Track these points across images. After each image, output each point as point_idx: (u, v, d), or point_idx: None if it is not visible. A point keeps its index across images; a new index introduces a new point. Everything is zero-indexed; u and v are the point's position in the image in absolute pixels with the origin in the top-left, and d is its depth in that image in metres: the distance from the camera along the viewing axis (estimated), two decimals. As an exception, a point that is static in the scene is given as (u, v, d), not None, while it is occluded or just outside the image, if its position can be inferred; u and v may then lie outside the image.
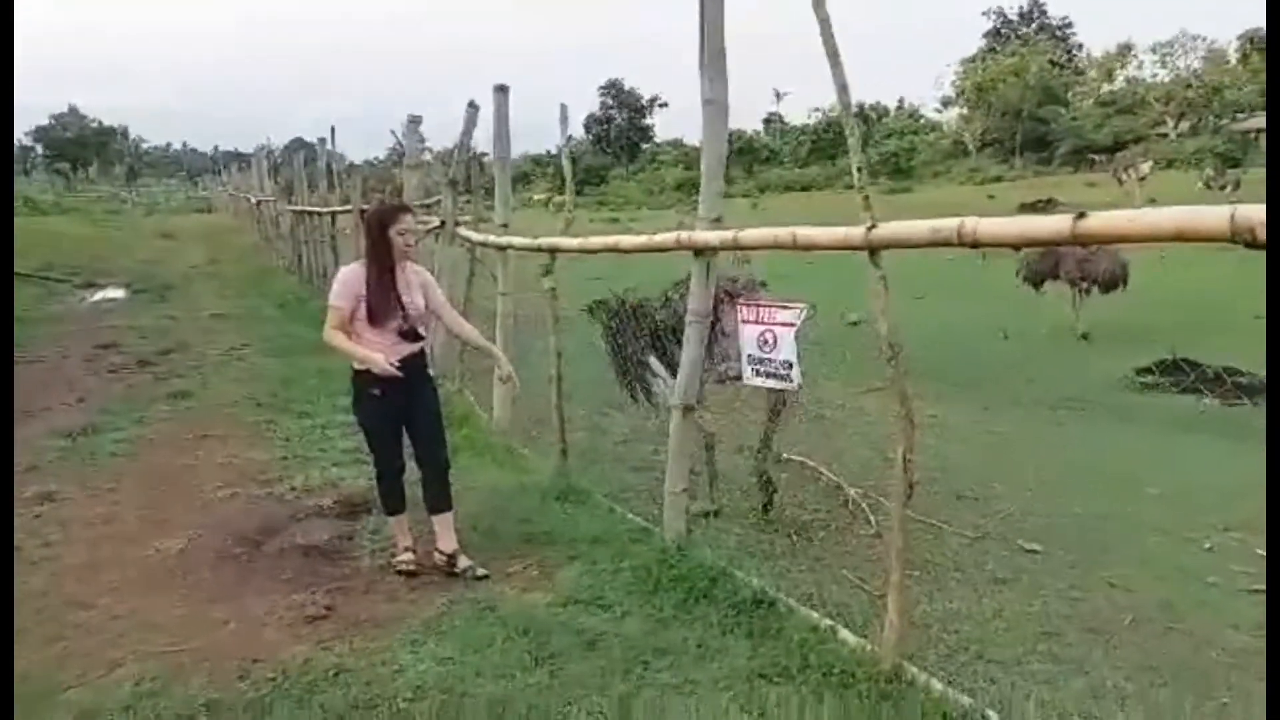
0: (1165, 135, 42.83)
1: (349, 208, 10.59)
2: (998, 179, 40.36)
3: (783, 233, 3.17)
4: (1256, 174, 26.04)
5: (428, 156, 10.10)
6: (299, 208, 15.20)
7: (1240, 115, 41.80)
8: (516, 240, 5.54)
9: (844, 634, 3.10)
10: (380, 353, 3.50)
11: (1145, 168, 30.08)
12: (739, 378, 4.45)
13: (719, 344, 4.26)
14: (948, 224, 2.58)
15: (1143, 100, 46.28)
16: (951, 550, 4.17)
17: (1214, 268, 11.92)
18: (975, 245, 2.57)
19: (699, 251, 3.74)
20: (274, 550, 3.97)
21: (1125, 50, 52.90)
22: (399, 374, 3.52)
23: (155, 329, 10.77)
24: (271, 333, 10.12)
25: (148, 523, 4.36)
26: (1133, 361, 8.65)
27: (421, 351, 3.73)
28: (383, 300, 3.55)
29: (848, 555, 4.06)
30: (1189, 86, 45.33)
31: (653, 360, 4.91)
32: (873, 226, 2.81)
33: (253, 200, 24.50)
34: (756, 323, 3.44)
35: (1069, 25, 55.79)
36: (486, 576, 3.65)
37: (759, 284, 4.50)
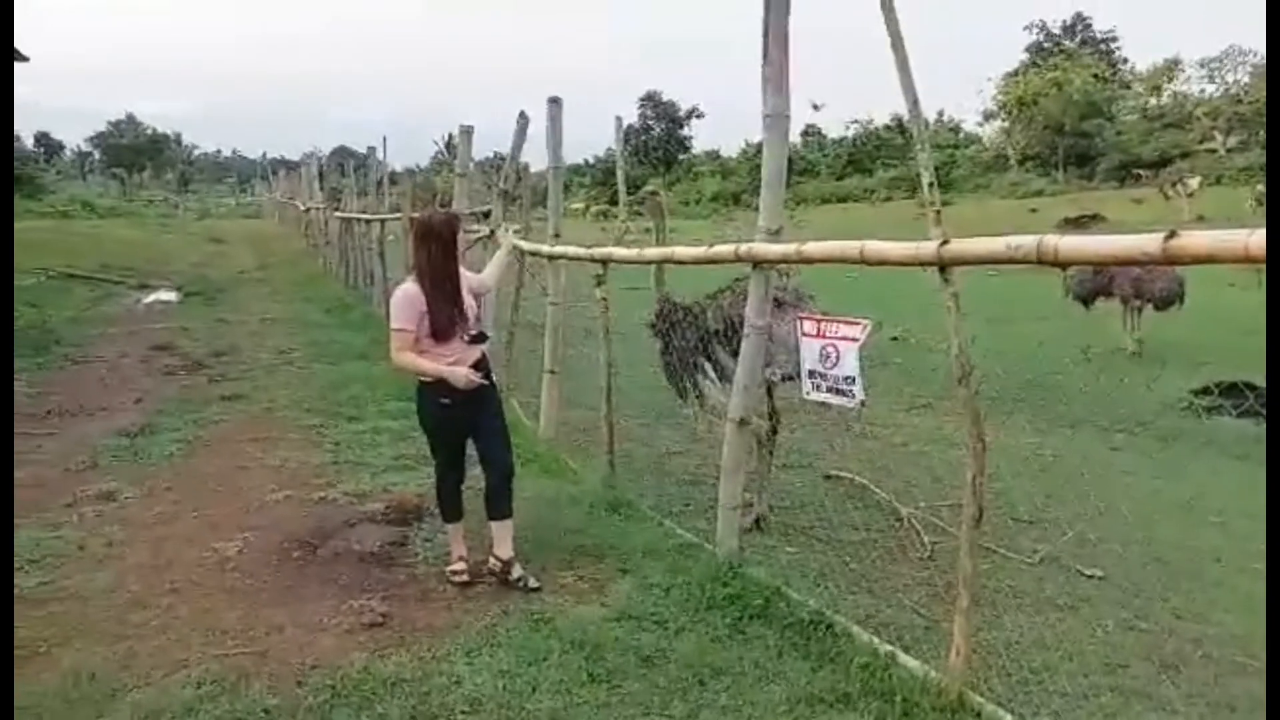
0: (1214, 151, 41.57)
1: (398, 215, 10.74)
2: (1039, 193, 39.56)
3: (850, 246, 3.10)
4: (1315, 191, 25.08)
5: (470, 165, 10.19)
6: (347, 214, 15.45)
7: (1295, 131, 40.42)
8: (570, 249, 5.54)
9: (904, 659, 3.03)
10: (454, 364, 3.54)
11: (1194, 184, 29.21)
12: (783, 380, 4.40)
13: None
14: (1026, 240, 2.51)
15: (1190, 115, 45.02)
16: (1010, 575, 4.05)
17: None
18: (1055, 263, 2.50)
19: (758, 263, 3.70)
20: (329, 555, 4.01)
21: (1172, 65, 51.59)
22: (484, 382, 3.57)
23: (207, 331, 11.04)
24: (319, 338, 10.30)
25: (205, 523, 4.44)
26: (1189, 382, 8.34)
27: (484, 355, 3.75)
28: (446, 315, 3.57)
29: (901, 577, 3.97)
30: (1239, 101, 43.94)
31: (705, 363, 4.88)
32: (945, 242, 2.75)
33: (300, 207, 25.01)
34: (818, 336, 3.38)
35: (1114, 39, 54.67)
36: (539, 588, 3.64)
37: (809, 296, 4.46)
